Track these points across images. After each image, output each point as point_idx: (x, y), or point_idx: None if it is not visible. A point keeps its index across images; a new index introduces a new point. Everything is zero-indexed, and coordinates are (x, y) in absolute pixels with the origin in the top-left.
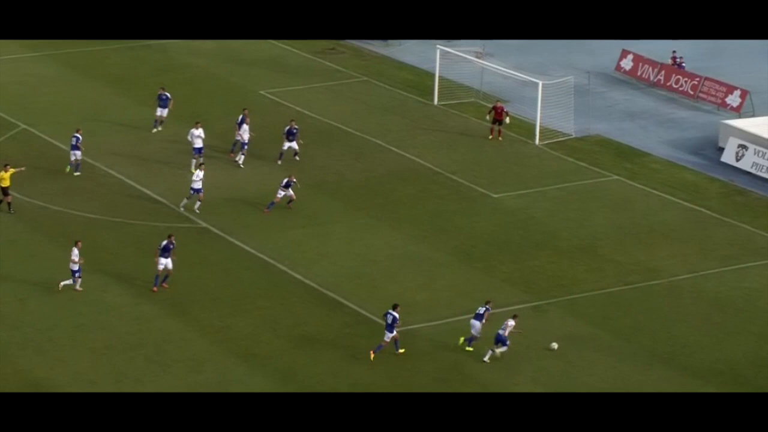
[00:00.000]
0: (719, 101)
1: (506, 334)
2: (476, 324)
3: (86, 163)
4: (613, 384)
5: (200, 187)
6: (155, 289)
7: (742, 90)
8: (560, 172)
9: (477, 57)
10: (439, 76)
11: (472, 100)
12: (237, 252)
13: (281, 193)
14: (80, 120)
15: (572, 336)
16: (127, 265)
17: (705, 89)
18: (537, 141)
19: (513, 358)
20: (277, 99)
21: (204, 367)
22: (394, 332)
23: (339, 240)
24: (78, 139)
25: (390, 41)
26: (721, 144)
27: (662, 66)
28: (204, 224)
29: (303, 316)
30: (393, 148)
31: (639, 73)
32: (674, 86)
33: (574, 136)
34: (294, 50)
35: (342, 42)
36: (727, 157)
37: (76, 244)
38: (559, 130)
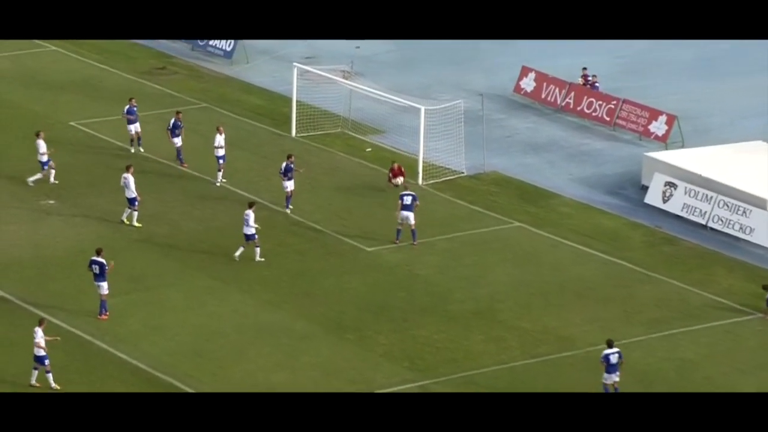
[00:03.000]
0: (641, 129)
1: None
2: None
3: None
4: None
5: (254, 232)
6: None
7: (668, 115)
8: (450, 218)
9: (344, 77)
10: (298, 101)
11: (339, 130)
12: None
13: (406, 215)
14: None
15: None
16: None
17: (624, 114)
18: (420, 180)
19: None
20: (93, 132)
21: None
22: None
23: (174, 308)
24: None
25: (234, 58)
26: (644, 182)
27: (571, 86)
28: (0, 292)
29: None
30: (240, 192)
31: (543, 96)
32: (586, 111)
33: (465, 173)
34: (113, 70)
35: (174, 60)
36: (653, 197)
37: (40, 324)
38: (448, 166)
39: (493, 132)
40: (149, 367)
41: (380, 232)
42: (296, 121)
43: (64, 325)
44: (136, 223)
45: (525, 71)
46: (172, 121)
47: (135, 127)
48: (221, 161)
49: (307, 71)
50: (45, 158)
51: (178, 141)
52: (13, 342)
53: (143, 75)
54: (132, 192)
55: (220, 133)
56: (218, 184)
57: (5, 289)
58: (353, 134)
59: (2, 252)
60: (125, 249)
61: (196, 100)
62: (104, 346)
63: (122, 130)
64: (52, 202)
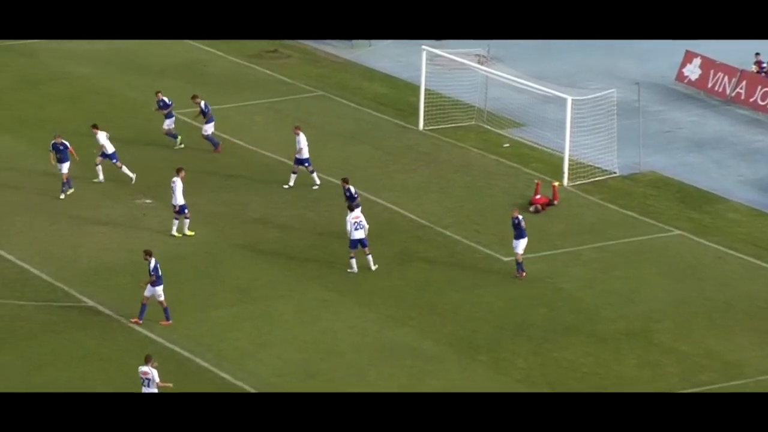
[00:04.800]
0: None
1: None
2: None
3: None
4: None
5: (364, 236)
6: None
7: None
8: (599, 224)
9: (479, 62)
10: (426, 90)
11: (473, 123)
12: (137, 341)
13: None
14: None
15: None
16: None
17: None
18: (566, 181)
19: None
20: (197, 123)
21: None
22: None
23: (284, 323)
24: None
25: (355, 41)
26: None
27: (743, 74)
28: (90, 302)
29: None
30: (360, 192)
31: (710, 85)
32: (761, 103)
33: (618, 174)
34: (219, 53)
35: (287, 41)
36: None
37: (148, 362)
38: (598, 165)
39: (650, 126)
40: (255, 389)
41: None
42: (424, 111)
43: (160, 339)
44: (188, 232)
45: (689, 57)
46: (203, 103)
47: (169, 123)
48: (307, 164)
49: (438, 55)
50: (111, 150)
51: (210, 128)
52: (104, 357)
53: (252, 59)
54: (179, 198)
55: (297, 134)
56: (316, 187)
57: (95, 298)
58: (489, 127)
59: (92, 257)
60: (229, 256)
61: (312, 88)
62: (205, 364)
63: (228, 120)
64: (148, 201)
